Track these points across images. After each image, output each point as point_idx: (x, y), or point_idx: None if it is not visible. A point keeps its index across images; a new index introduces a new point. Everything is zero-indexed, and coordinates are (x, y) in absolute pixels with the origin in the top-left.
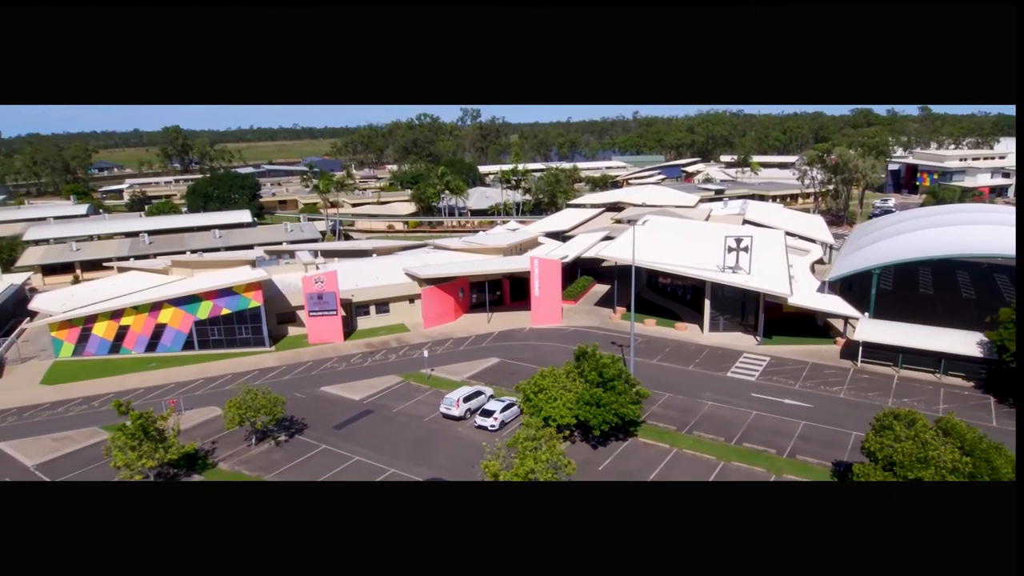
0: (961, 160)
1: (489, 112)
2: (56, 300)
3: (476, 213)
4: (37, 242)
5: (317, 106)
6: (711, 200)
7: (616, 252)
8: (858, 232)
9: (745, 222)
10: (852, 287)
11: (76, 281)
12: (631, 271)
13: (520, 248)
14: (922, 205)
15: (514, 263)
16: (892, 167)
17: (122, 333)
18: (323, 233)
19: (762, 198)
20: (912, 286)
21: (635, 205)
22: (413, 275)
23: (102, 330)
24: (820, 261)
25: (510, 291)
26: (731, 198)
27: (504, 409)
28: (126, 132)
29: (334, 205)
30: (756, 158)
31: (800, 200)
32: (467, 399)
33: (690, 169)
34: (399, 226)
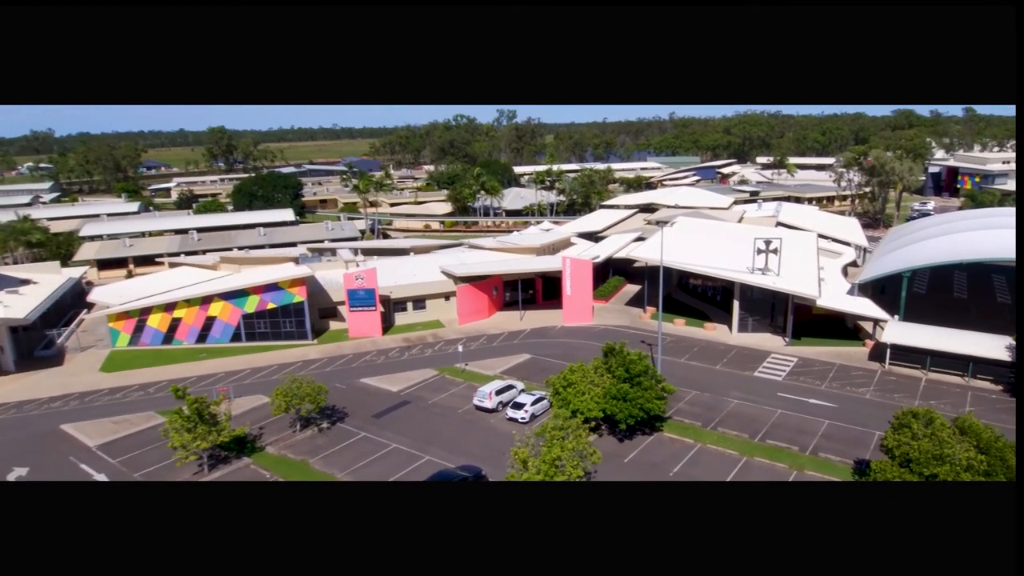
0: (1004, 163)
1: (524, 113)
2: (112, 293)
3: (511, 213)
4: (92, 238)
5: (356, 106)
6: (745, 202)
7: (647, 253)
8: (892, 235)
9: (778, 224)
10: (885, 290)
11: (129, 275)
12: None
13: (553, 248)
14: (960, 208)
15: (546, 263)
16: (933, 169)
17: (175, 325)
18: (362, 232)
19: (798, 200)
20: (947, 289)
21: (668, 206)
22: (449, 273)
23: (156, 322)
24: (853, 264)
25: (542, 290)
26: (766, 200)
27: (535, 402)
28: (172, 132)
29: (373, 204)
30: (793, 159)
31: (837, 203)
32: (499, 392)
33: (725, 171)
34: (435, 225)
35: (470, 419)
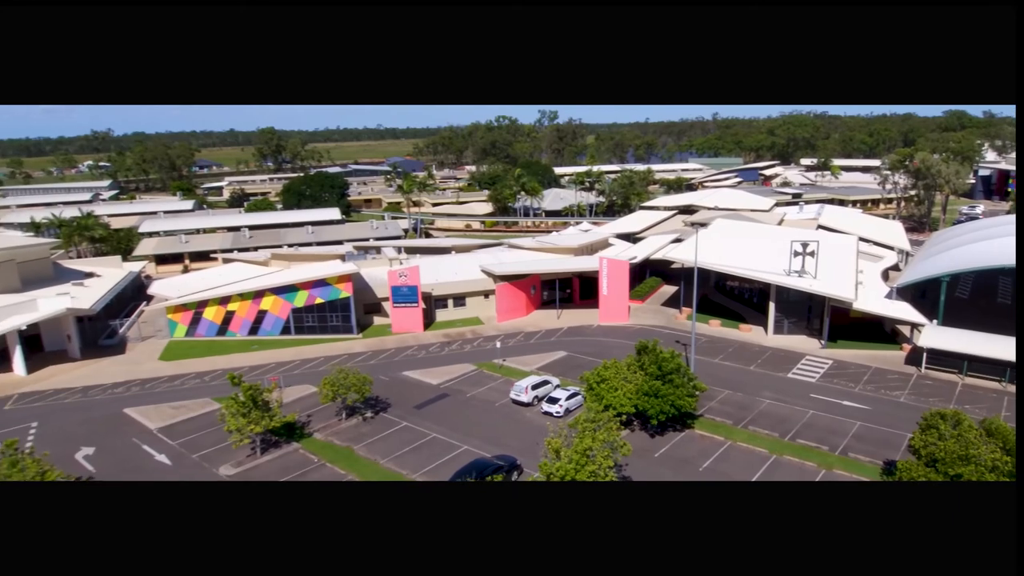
0: None
1: (565, 114)
2: (170, 286)
3: (550, 214)
4: (150, 234)
5: (400, 107)
6: (787, 204)
7: (683, 254)
8: (935, 239)
9: (819, 227)
10: (925, 294)
11: (186, 270)
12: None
13: (591, 248)
14: (1008, 212)
15: (584, 263)
16: (983, 172)
17: (228, 317)
18: (405, 231)
19: (841, 203)
20: (990, 294)
21: (708, 208)
22: (488, 272)
23: (211, 314)
24: (895, 267)
25: (580, 289)
26: (808, 202)
27: (569, 398)
28: (223, 132)
29: (416, 204)
30: (838, 161)
31: (882, 206)
32: (535, 387)
33: (768, 172)
34: (476, 225)
35: (507, 412)
